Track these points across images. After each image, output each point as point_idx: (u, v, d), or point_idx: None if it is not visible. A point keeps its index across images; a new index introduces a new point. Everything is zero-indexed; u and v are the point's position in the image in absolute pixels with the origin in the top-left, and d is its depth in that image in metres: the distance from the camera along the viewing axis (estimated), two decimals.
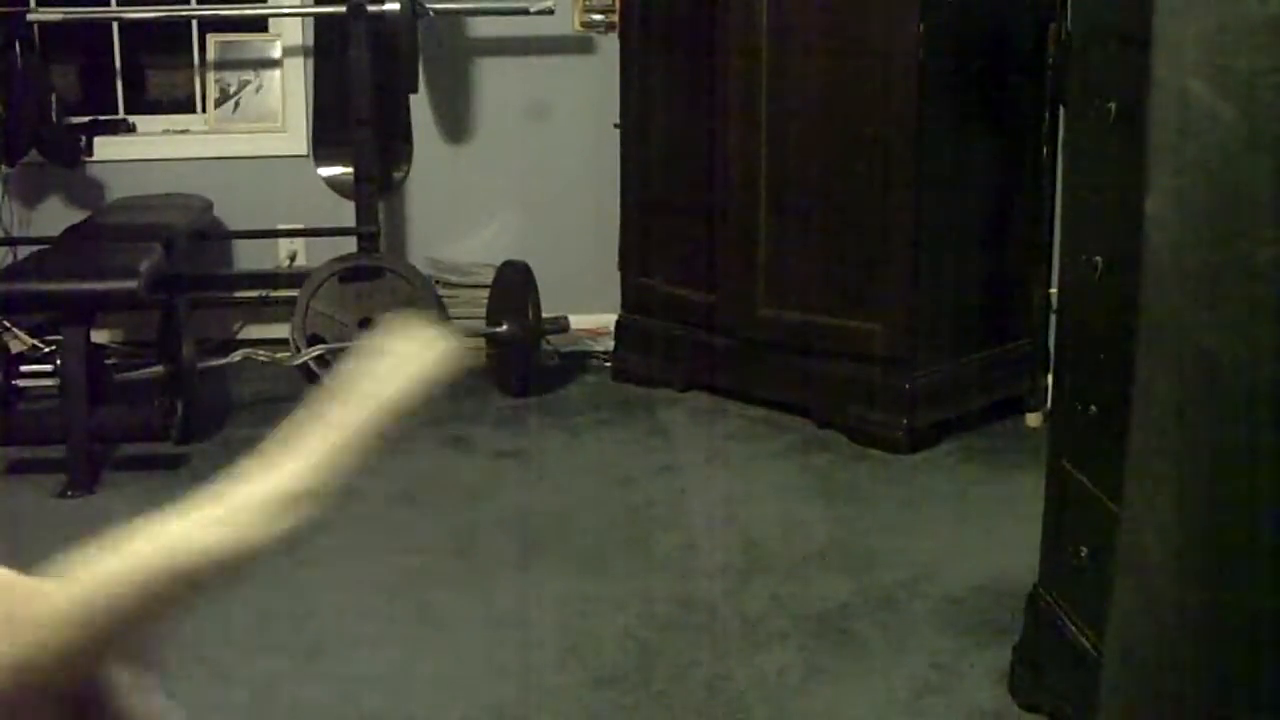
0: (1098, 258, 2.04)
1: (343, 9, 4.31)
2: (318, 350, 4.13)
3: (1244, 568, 0.96)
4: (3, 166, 4.48)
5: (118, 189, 4.61)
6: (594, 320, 4.57)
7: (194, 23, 4.74)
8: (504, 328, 4.17)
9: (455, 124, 4.75)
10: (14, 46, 4.32)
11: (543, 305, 4.15)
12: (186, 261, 4.32)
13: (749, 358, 3.94)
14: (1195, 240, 0.97)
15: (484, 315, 4.30)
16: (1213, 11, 0.93)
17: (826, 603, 2.74)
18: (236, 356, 3.95)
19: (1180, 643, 1.01)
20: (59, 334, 3.57)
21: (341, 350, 4.16)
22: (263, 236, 4.66)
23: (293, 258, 4.74)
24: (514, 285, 4.19)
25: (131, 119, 4.71)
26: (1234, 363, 0.94)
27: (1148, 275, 1.03)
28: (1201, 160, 0.95)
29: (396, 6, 4.23)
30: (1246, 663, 0.98)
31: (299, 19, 4.65)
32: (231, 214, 4.63)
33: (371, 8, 4.28)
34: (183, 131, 4.79)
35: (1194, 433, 0.98)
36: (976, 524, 3.17)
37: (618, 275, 4.35)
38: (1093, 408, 2.06)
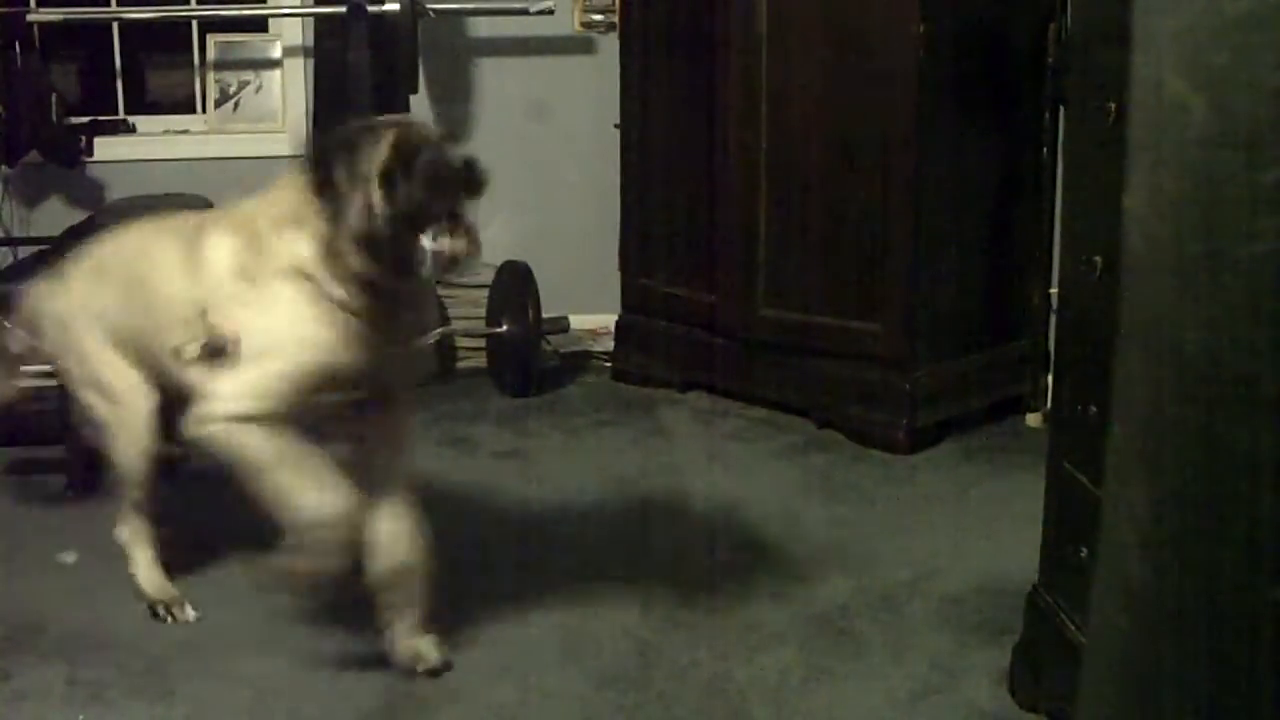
0: (1098, 258, 2.04)
1: (343, 9, 4.31)
2: None
3: (1216, 560, 0.96)
4: (3, 166, 4.48)
5: (118, 189, 4.61)
6: (594, 320, 4.57)
7: (194, 23, 4.75)
8: (504, 328, 4.17)
9: (455, 124, 4.75)
10: (14, 46, 4.32)
11: (543, 305, 4.15)
12: None
13: (749, 358, 3.94)
14: (1170, 235, 0.97)
15: (484, 315, 4.30)
16: (1188, 8, 0.94)
17: (826, 603, 2.74)
18: None
19: (1153, 634, 1.01)
20: None
21: None
22: None
23: None
24: (514, 285, 4.19)
25: (131, 119, 4.71)
26: (1208, 356, 0.95)
27: (1127, 270, 1.04)
28: (1176, 155, 0.96)
29: (396, 6, 4.23)
30: (1217, 654, 0.98)
31: (299, 19, 4.66)
32: None
33: (371, 8, 4.28)
34: (183, 132, 4.79)
35: (1173, 428, 0.98)
36: (976, 524, 3.17)
37: (618, 275, 4.35)
38: (1093, 408, 2.06)
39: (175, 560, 2.82)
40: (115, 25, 4.70)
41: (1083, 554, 2.08)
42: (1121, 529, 1.04)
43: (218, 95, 4.76)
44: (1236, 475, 0.95)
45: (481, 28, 4.68)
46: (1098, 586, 1.09)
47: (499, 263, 4.33)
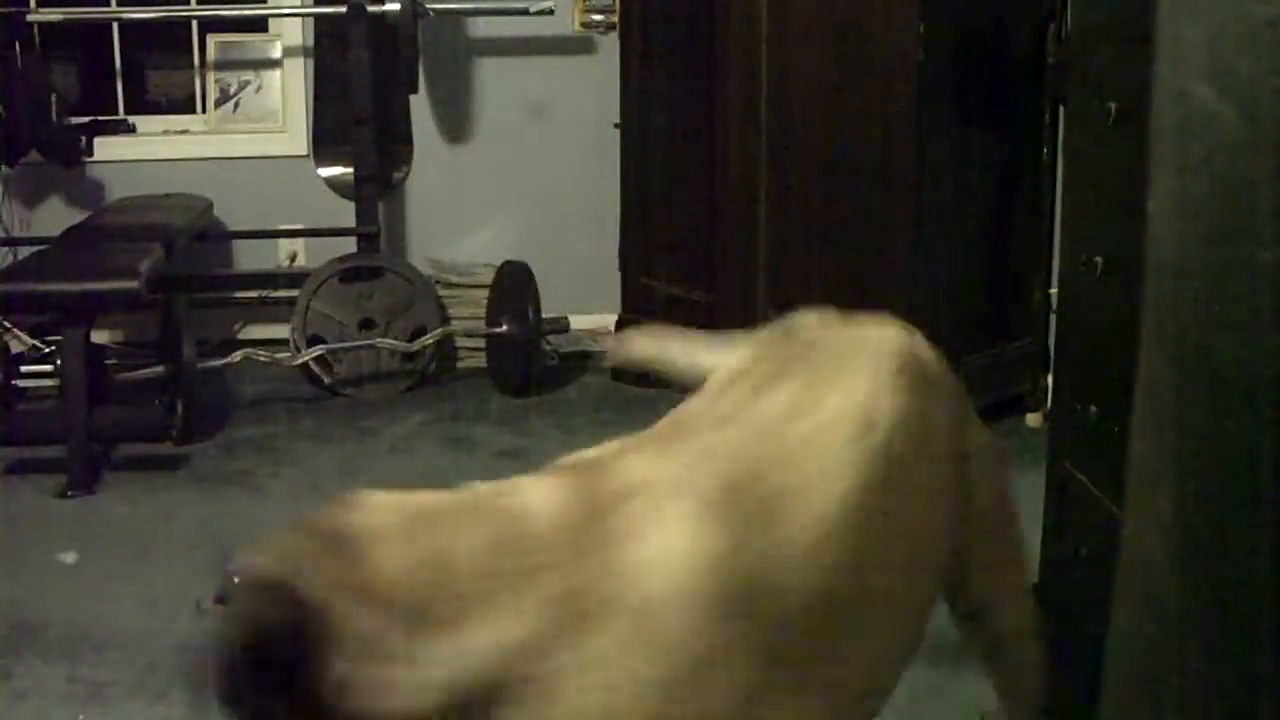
0: (1098, 258, 2.04)
1: (343, 9, 4.31)
2: (318, 350, 4.13)
3: (1246, 568, 0.96)
4: (3, 166, 4.48)
5: (118, 189, 4.61)
6: (594, 320, 4.57)
7: (194, 23, 4.75)
8: (504, 328, 4.17)
9: (455, 124, 4.75)
10: (14, 46, 4.32)
11: (543, 305, 4.15)
12: (186, 261, 4.32)
13: None
14: (1198, 241, 0.96)
15: (484, 315, 4.30)
16: (1214, 14, 0.93)
17: None
18: (236, 356, 3.95)
19: (1181, 642, 1.01)
20: (59, 334, 3.57)
21: (341, 350, 4.16)
22: (263, 236, 4.66)
23: (293, 258, 4.74)
24: (514, 285, 4.19)
25: (131, 119, 4.71)
26: (1236, 363, 0.94)
27: (1150, 275, 1.03)
28: (1203, 161, 0.95)
29: (396, 6, 4.23)
30: (1247, 662, 0.98)
31: (299, 19, 4.66)
32: (231, 214, 4.63)
33: (371, 8, 4.28)
34: (183, 132, 4.79)
35: (1196, 433, 0.98)
36: None
37: (618, 275, 4.35)
38: (1093, 408, 2.06)
39: None
40: (115, 25, 4.70)
41: (1082, 554, 2.08)
42: (1146, 537, 1.04)
43: (218, 95, 4.76)
44: (1266, 481, 0.95)
45: (481, 28, 4.68)
46: (1119, 594, 1.09)
47: (499, 263, 4.34)
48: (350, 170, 4.46)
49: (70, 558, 2.98)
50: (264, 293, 4.54)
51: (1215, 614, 0.98)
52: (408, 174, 4.74)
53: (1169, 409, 1.00)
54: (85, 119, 4.56)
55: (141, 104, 4.87)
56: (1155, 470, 1.02)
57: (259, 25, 4.77)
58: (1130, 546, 1.06)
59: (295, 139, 4.72)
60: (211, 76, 4.76)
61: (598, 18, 4.65)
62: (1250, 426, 0.94)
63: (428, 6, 4.37)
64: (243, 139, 4.73)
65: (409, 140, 4.71)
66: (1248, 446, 0.94)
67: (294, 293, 4.29)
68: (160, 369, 3.78)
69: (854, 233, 3.70)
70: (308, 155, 4.71)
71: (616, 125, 4.30)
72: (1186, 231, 0.97)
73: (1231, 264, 0.93)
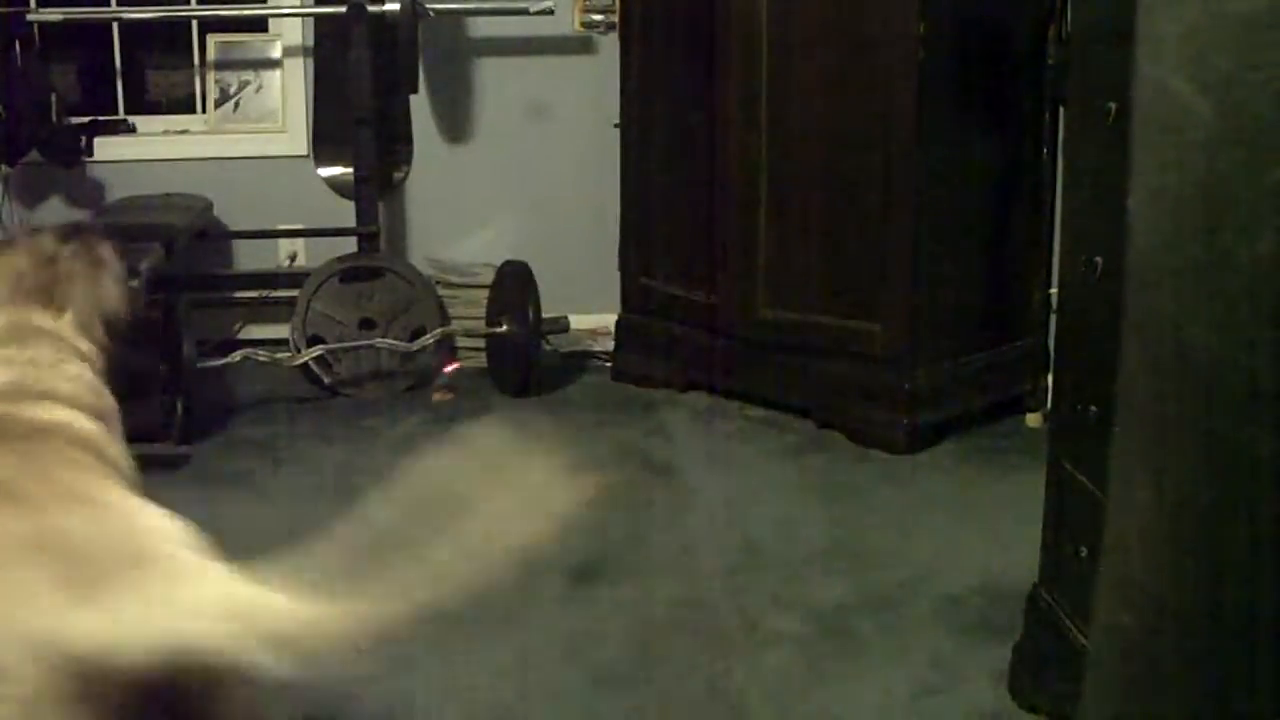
0: (1098, 258, 2.04)
1: (343, 9, 4.31)
2: (318, 350, 4.13)
3: (1226, 562, 0.96)
4: (3, 166, 4.48)
5: (118, 189, 4.61)
6: (594, 320, 4.57)
7: (194, 23, 4.75)
8: (504, 328, 4.17)
9: (455, 124, 4.75)
10: (14, 46, 4.32)
11: (543, 305, 4.15)
12: (186, 261, 4.32)
13: (749, 358, 3.94)
14: (1177, 236, 0.97)
15: (484, 315, 4.30)
16: (1193, 8, 0.93)
17: (826, 603, 2.74)
18: (236, 356, 3.95)
19: (1156, 634, 1.01)
20: None
21: (341, 350, 4.16)
22: (263, 236, 4.66)
23: (293, 258, 4.74)
24: (514, 285, 4.19)
25: (131, 119, 4.71)
26: (1217, 358, 0.94)
27: (1130, 271, 1.03)
28: (1181, 157, 0.95)
29: (396, 6, 4.23)
30: (1228, 657, 0.98)
31: (299, 19, 4.66)
32: (231, 214, 4.63)
33: (371, 8, 4.28)
34: (183, 131, 4.79)
35: (1176, 428, 0.98)
36: (976, 524, 3.17)
37: (618, 275, 4.35)
38: (1093, 408, 2.06)
39: None
40: (115, 25, 4.70)
41: (1082, 554, 2.09)
42: (1124, 528, 1.04)
43: (218, 95, 4.76)
44: (1239, 475, 0.95)
45: (481, 28, 4.68)
46: (1101, 586, 1.09)
47: (499, 263, 4.34)
48: (350, 170, 4.46)
49: None
50: (264, 293, 4.54)
51: (1188, 606, 0.98)
52: (408, 174, 4.74)
53: (1145, 402, 1.01)
54: (85, 119, 4.56)
55: (141, 104, 4.87)
56: (1136, 465, 1.02)
57: (259, 25, 4.77)
58: (1110, 538, 1.07)
59: (295, 139, 4.72)
60: (211, 76, 4.76)
61: (598, 18, 4.65)
62: (1233, 422, 0.94)
63: (428, 6, 4.37)
64: (243, 139, 4.73)
65: (409, 140, 4.71)
66: (1231, 442, 0.95)
67: (294, 293, 4.29)
68: (160, 369, 3.78)
69: (854, 233, 3.70)
70: (308, 155, 4.71)
71: (616, 125, 4.30)
72: (1167, 227, 0.97)
73: (1211, 260, 0.94)
